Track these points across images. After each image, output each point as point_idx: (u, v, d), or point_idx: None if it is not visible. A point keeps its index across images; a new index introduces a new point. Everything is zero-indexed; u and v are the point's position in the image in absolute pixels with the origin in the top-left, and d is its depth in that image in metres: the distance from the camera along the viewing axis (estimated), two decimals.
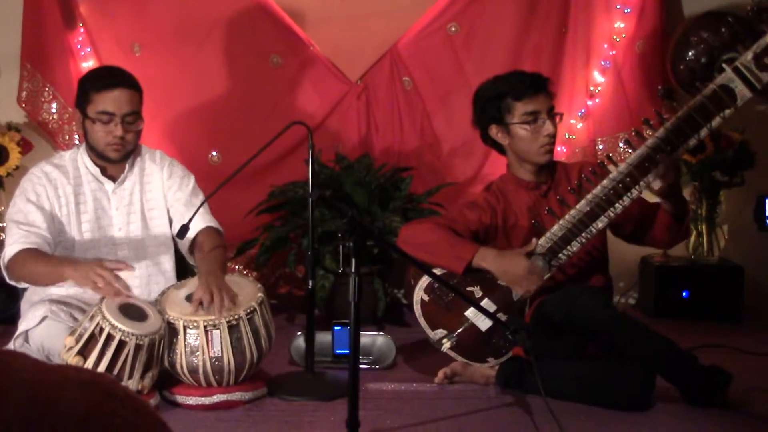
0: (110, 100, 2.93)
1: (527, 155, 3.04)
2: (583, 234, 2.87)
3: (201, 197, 3.11)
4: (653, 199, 2.98)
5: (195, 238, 3.02)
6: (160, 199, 3.11)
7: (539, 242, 2.89)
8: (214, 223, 3.09)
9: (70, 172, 3.03)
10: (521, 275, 2.86)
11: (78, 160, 3.06)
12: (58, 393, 0.69)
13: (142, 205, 3.08)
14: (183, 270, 3.20)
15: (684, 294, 3.97)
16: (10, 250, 2.85)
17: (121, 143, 2.96)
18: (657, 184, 2.79)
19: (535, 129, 2.99)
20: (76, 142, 4.04)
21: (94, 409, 0.70)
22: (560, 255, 2.89)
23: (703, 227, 4.05)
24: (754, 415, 2.63)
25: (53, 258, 2.87)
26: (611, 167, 2.85)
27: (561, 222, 2.88)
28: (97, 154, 3.02)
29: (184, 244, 3.05)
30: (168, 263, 3.12)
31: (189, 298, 2.84)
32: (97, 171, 3.04)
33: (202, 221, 3.02)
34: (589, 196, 2.86)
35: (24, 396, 0.68)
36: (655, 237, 3.04)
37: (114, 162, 3.03)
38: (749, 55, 2.72)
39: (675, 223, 2.95)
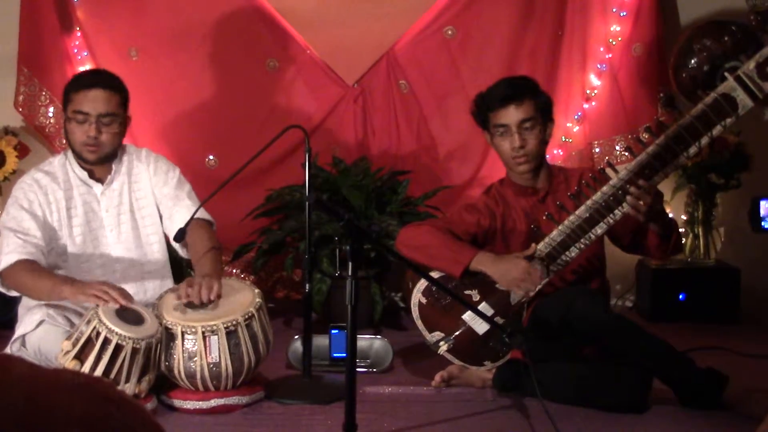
0: (86, 100, 2.93)
1: (506, 165, 3.06)
2: (582, 240, 2.87)
3: (187, 188, 3.12)
4: None
5: (185, 231, 2.93)
6: (149, 197, 3.10)
7: (537, 247, 2.89)
8: (202, 214, 3.05)
9: (60, 178, 3.03)
10: (520, 276, 2.86)
11: (66, 165, 3.06)
12: (54, 397, 0.70)
13: (131, 204, 3.07)
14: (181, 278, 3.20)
15: (681, 296, 3.98)
16: (6, 259, 2.85)
17: (95, 144, 2.94)
18: (634, 212, 2.77)
19: (503, 141, 3.00)
20: None
21: (91, 412, 0.70)
22: (559, 260, 2.89)
23: (700, 230, 4.06)
24: (750, 417, 2.63)
25: (51, 275, 2.86)
26: (611, 174, 2.85)
27: (560, 227, 2.88)
28: (76, 155, 3.01)
29: (173, 236, 2.98)
30: (167, 278, 3.11)
31: (187, 303, 2.83)
32: (84, 174, 3.04)
33: (189, 214, 2.96)
34: (588, 202, 2.86)
35: (20, 400, 0.68)
36: (649, 251, 3.03)
37: (90, 163, 3.01)
38: (751, 65, 2.72)
39: (662, 242, 2.94)
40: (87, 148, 2.96)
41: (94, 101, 2.93)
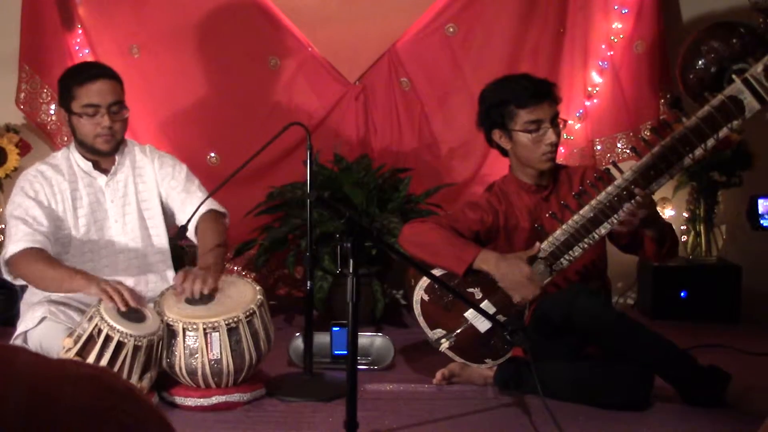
0: (94, 92, 2.94)
1: (529, 161, 3.03)
2: (586, 240, 2.87)
3: (196, 183, 3.15)
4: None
5: (197, 222, 3.01)
6: (153, 190, 3.11)
7: (541, 246, 2.89)
8: (215, 205, 3.09)
9: (65, 170, 3.03)
10: (520, 282, 2.85)
11: (70, 158, 3.06)
12: (59, 387, 0.69)
13: (136, 196, 3.09)
14: None
15: (682, 294, 3.98)
16: (14, 247, 2.83)
17: (110, 133, 2.97)
18: (628, 223, 2.78)
19: (537, 137, 2.97)
20: None
21: (96, 403, 0.70)
22: (562, 260, 2.89)
23: (701, 227, 4.06)
24: (752, 414, 2.63)
25: (63, 266, 2.85)
26: (616, 174, 2.85)
27: (564, 227, 2.88)
28: (87, 149, 3.02)
29: (188, 226, 3.01)
30: (168, 271, 3.12)
31: (188, 300, 2.83)
32: (88, 166, 3.05)
33: (202, 205, 3.01)
34: (593, 202, 2.85)
35: (25, 390, 0.68)
36: (645, 253, 3.04)
37: (105, 154, 3.03)
38: (759, 67, 2.72)
39: (657, 247, 2.94)
40: (101, 138, 2.97)
41: (101, 92, 2.95)
